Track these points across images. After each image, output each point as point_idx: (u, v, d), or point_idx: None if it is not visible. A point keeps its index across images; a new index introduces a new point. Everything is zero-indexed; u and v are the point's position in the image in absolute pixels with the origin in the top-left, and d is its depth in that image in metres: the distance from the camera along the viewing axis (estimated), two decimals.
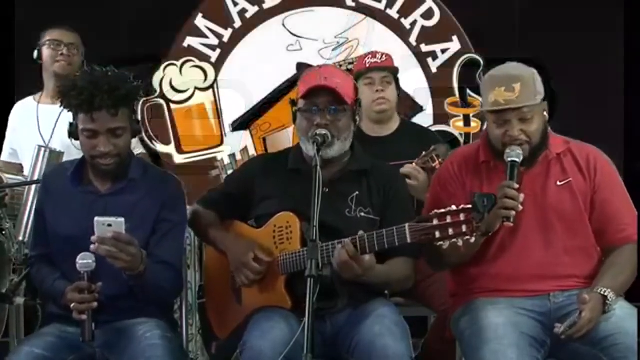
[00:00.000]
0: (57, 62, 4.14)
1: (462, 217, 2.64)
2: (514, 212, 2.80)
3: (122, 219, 2.78)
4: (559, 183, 2.96)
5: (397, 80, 4.00)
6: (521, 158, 2.88)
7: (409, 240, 2.72)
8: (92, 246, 2.77)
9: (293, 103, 3.06)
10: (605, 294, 2.80)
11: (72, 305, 2.81)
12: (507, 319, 2.82)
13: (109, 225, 2.77)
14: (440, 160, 3.57)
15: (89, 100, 2.88)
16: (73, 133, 2.98)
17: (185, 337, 3.30)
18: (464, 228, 2.64)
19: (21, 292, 3.48)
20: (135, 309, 2.96)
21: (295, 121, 3.05)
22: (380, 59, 3.97)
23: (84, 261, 2.80)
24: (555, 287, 2.91)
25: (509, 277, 2.92)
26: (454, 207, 2.66)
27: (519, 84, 2.88)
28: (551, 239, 2.93)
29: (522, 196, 2.82)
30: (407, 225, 2.73)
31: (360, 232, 2.78)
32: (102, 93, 2.87)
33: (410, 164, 3.59)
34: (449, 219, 2.65)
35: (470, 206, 2.65)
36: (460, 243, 2.66)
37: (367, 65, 3.96)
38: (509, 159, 2.87)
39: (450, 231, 2.65)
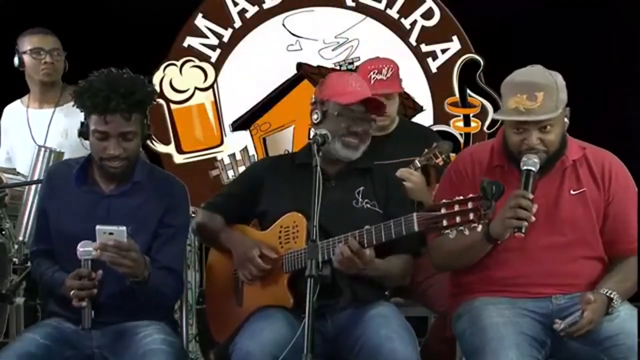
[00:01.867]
0: (42, 71, 4.06)
1: (470, 205, 2.65)
2: (526, 223, 2.72)
3: (124, 228, 2.76)
4: (572, 192, 2.90)
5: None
6: (537, 167, 2.80)
7: (416, 229, 2.74)
8: (93, 252, 2.76)
9: (318, 103, 3.11)
10: (612, 295, 2.79)
11: (71, 292, 2.79)
12: (507, 319, 2.81)
13: (111, 234, 2.75)
14: (443, 157, 3.55)
15: (103, 103, 2.85)
16: (84, 133, 2.95)
17: (185, 337, 3.30)
18: (471, 216, 2.64)
19: (21, 292, 3.48)
20: (136, 310, 2.95)
21: (324, 118, 3.08)
22: (386, 75, 3.77)
23: (85, 249, 2.78)
24: (558, 292, 2.89)
25: (513, 282, 2.89)
26: (461, 197, 2.66)
27: (542, 93, 2.76)
28: (560, 248, 2.88)
29: (535, 207, 2.75)
30: (414, 214, 2.75)
31: (367, 227, 2.81)
32: (118, 96, 2.84)
33: (404, 167, 3.57)
34: (456, 208, 2.66)
35: (478, 195, 2.64)
36: (467, 232, 2.66)
37: (372, 83, 3.71)
38: (525, 168, 2.79)
39: (458, 219, 2.66)
